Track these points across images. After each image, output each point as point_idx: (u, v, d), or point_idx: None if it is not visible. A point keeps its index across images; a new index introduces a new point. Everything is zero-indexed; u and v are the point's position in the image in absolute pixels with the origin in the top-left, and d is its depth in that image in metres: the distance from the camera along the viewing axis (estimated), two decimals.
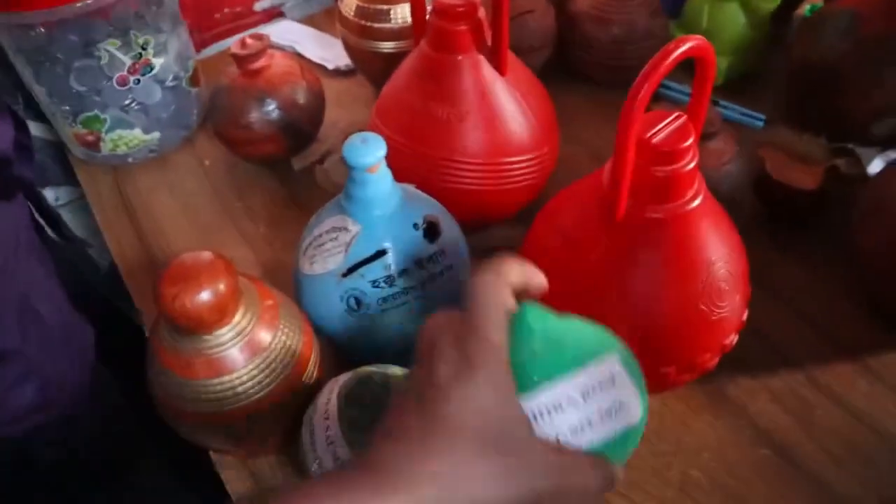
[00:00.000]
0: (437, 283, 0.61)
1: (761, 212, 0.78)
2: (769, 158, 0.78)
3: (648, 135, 0.52)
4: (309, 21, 1.14)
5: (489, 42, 0.67)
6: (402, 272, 0.59)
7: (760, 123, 0.88)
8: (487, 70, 0.67)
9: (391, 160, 0.58)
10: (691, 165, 0.53)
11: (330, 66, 1.02)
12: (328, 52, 1.04)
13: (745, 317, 0.60)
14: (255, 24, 1.15)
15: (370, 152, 0.56)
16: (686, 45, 0.48)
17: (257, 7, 1.15)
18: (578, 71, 0.94)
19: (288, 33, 1.09)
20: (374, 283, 0.59)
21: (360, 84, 0.97)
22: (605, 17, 0.87)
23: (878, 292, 0.68)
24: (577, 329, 0.45)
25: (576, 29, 0.89)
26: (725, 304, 0.57)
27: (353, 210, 0.59)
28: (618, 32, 0.87)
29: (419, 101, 0.69)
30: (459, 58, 0.67)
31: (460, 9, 0.65)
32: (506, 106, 0.68)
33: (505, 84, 0.68)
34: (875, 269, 0.67)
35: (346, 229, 0.59)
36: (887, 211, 0.65)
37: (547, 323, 0.43)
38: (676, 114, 0.53)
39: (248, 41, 0.81)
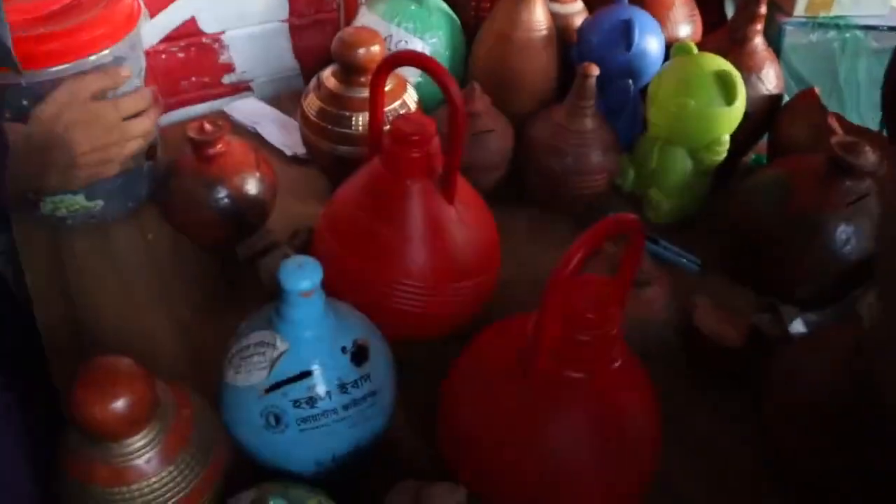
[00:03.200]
0: (358, 407, 0.61)
1: (685, 357, 0.80)
2: (699, 309, 0.80)
3: (575, 299, 0.53)
4: (275, 101, 1.15)
5: (440, 169, 0.69)
6: (326, 394, 0.59)
7: (696, 267, 0.91)
8: (436, 197, 0.69)
9: (330, 268, 0.59)
10: (613, 332, 0.54)
11: (288, 153, 1.03)
12: (289, 137, 1.05)
13: (652, 475, 0.61)
14: (221, 96, 1.17)
15: (305, 277, 0.56)
16: (616, 224, 0.50)
17: (225, 80, 1.16)
18: (529, 194, 0.96)
19: (252, 113, 1.10)
20: (296, 403, 0.59)
21: (315, 175, 0.98)
22: (559, 147, 0.89)
23: (783, 460, 0.70)
24: None
25: (531, 154, 0.92)
26: (635, 461, 0.58)
27: (282, 328, 0.59)
28: (571, 163, 0.90)
29: (365, 218, 0.70)
30: (408, 182, 0.68)
31: (415, 137, 0.67)
32: (450, 234, 0.70)
33: (451, 212, 0.70)
34: (781, 441, 0.69)
35: (273, 346, 0.59)
36: (793, 387, 0.68)
37: None
38: (604, 280, 0.55)
39: (207, 126, 0.82)
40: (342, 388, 0.60)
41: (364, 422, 0.62)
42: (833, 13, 1.32)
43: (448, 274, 0.71)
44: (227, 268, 0.87)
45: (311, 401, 0.59)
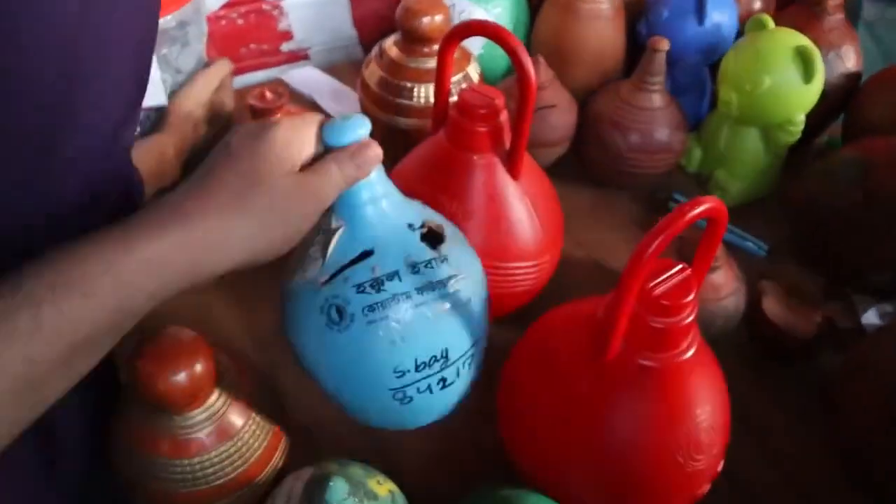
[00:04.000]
0: (437, 292, 0.51)
1: (750, 345, 0.78)
2: (766, 295, 0.77)
3: (651, 285, 0.51)
4: (332, 69, 1.13)
5: (507, 145, 0.67)
6: (393, 274, 0.50)
7: (763, 253, 0.88)
8: (501, 173, 0.67)
9: None
10: (689, 319, 0.52)
11: None
12: (345, 106, 1.03)
13: (720, 467, 0.59)
14: (279, 64, 1.15)
15: (351, 129, 0.49)
16: (701, 208, 0.48)
17: (284, 47, 1.15)
18: (591, 170, 0.93)
19: (309, 81, 1.09)
20: (359, 288, 0.50)
21: None
22: (625, 124, 0.87)
23: (851, 452, 0.67)
24: None
25: (594, 130, 0.89)
26: (703, 456, 0.56)
27: (337, 205, 0.50)
28: (636, 140, 0.87)
29: (428, 192, 0.68)
30: (475, 157, 0.66)
31: (482, 110, 0.65)
32: (514, 211, 0.68)
33: (517, 189, 0.68)
34: (850, 432, 0.66)
35: (327, 228, 0.51)
36: (867, 379, 0.65)
37: None
38: (681, 266, 0.53)
39: (268, 94, 0.81)
40: (412, 267, 0.51)
41: (450, 316, 0.52)
42: None
43: (511, 253, 0.69)
44: None
45: (376, 283, 0.50)
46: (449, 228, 0.56)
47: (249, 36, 1.11)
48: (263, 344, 0.75)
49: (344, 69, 1.14)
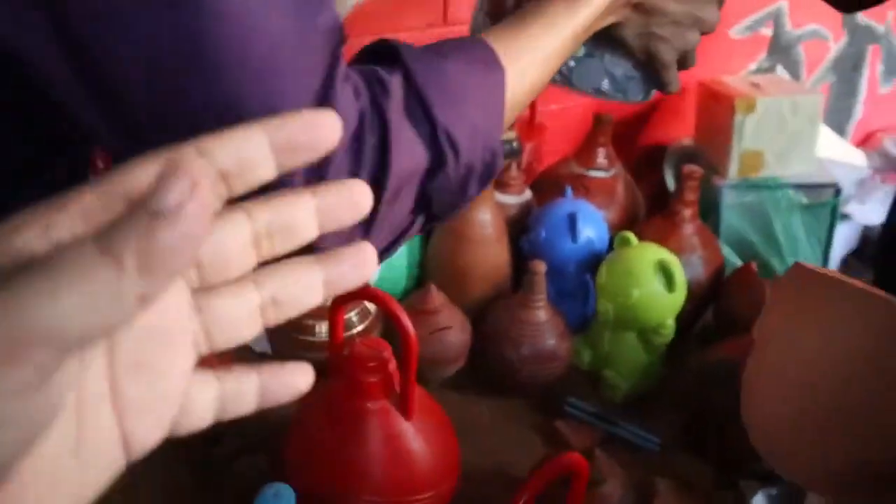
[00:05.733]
0: None
1: None
2: (659, 495, 0.82)
3: None
4: None
5: (398, 388, 0.73)
6: None
7: (655, 447, 0.94)
8: (394, 415, 0.72)
9: (297, 483, 0.65)
10: None
11: (257, 349, 1.06)
12: (258, 341, 1.08)
13: None
14: None
15: None
16: (562, 467, 0.54)
17: None
18: (488, 382, 1.00)
19: None
20: None
21: None
22: (514, 338, 0.94)
23: None
24: None
25: (488, 345, 0.96)
26: None
27: None
28: (527, 352, 0.94)
29: (329, 437, 0.73)
30: (368, 404, 0.72)
31: (371, 364, 0.71)
32: (409, 450, 0.73)
33: (410, 428, 0.73)
34: None
35: None
36: None
37: None
38: None
39: None
40: None
41: None
42: (763, 174, 1.42)
43: (407, 487, 0.73)
44: (199, 471, 0.88)
45: None
46: None
47: None
48: None
49: None
